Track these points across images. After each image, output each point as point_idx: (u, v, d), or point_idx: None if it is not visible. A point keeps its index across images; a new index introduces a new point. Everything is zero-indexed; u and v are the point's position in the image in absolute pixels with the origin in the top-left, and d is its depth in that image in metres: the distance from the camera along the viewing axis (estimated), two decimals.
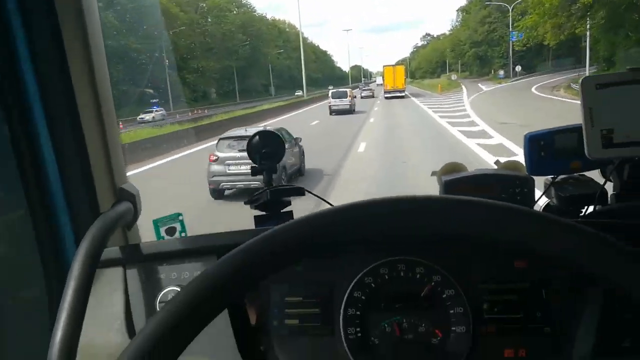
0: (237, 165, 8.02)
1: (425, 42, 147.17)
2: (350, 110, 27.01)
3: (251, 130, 7.21)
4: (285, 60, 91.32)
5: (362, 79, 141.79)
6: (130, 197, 0.97)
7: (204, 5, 68.73)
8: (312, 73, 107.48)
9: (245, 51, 72.53)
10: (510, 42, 48.61)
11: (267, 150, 1.07)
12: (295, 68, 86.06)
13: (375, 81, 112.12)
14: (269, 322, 0.88)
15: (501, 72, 61.47)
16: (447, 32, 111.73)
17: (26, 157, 0.86)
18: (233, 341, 0.84)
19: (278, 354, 0.87)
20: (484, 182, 1.03)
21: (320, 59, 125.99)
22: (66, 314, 0.67)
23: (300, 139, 9.66)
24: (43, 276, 0.89)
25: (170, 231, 1.11)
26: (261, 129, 1.11)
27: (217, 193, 8.48)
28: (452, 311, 0.82)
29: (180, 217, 1.11)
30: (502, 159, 1.13)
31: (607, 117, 0.88)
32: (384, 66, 46.53)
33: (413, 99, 38.18)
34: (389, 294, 0.84)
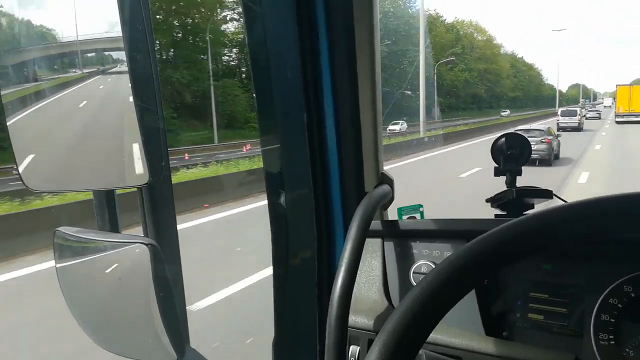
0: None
1: None
2: (578, 128, 28.68)
3: (535, 126, 14.40)
4: (461, 72, 70.62)
5: (581, 100, 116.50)
6: (389, 181, 1.12)
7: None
8: (509, 91, 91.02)
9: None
10: None
11: (513, 152, 1.09)
12: (475, 83, 71.73)
13: (602, 102, 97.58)
14: (512, 313, 0.92)
15: None
16: None
17: (315, 142, 1.07)
18: (479, 319, 0.90)
19: (519, 344, 0.89)
20: None
21: (521, 74, 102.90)
22: (345, 268, 0.81)
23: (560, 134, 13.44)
24: (316, 238, 1.09)
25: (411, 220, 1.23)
26: (509, 131, 1.13)
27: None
28: None
29: (421, 209, 1.22)
30: None
31: None
32: (617, 85, 40.54)
33: None
34: None
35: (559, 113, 33.66)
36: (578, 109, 34.68)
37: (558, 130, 24.94)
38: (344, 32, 1.02)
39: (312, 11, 1.02)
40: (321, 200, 1.09)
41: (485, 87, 76.46)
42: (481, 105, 75.57)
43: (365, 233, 0.88)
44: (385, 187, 1.08)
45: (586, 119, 39.94)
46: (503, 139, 1.12)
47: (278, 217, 1.10)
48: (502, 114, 63.40)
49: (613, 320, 0.82)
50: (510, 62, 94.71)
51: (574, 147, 17.94)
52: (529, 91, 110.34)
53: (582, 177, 12.05)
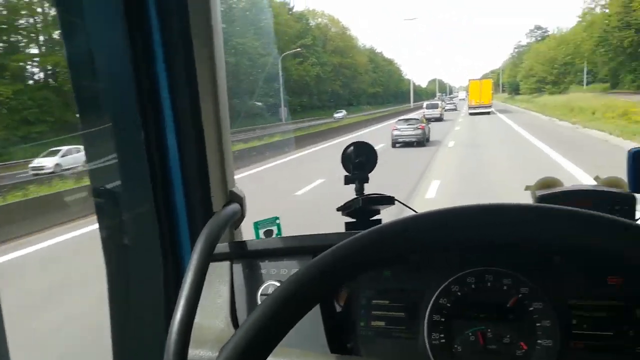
0: (402, 132, 18.21)
1: (534, 39, 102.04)
2: (440, 119, 35.05)
3: (413, 115, 21.03)
4: (312, 67, 60.75)
5: (438, 94, 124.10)
6: (239, 199, 1.07)
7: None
8: (368, 87, 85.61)
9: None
10: None
11: (360, 160, 1.12)
12: (329, 79, 64.21)
13: (458, 96, 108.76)
14: (356, 322, 0.93)
15: None
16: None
17: (155, 159, 0.98)
18: (323, 336, 0.90)
19: (363, 353, 0.91)
20: (581, 197, 1.00)
21: (381, 69, 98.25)
22: (184, 300, 0.76)
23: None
24: (162, 265, 1.01)
25: (268, 233, 1.20)
26: (356, 140, 1.16)
27: (394, 144, 18.06)
28: (538, 324, 0.82)
29: (278, 221, 1.20)
30: (603, 175, 1.09)
31: None
32: (469, 80, 45.39)
33: None
34: (474, 303, 0.86)
35: (424, 106, 39.07)
36: (439, 102, 41.66)
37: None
38: (179, 38, 0.95)
39: (145, 18, 0.93)
40: (165, 224, 1.01)
41: (341, 83, 70.03)
42: (339, 103, 68.49)
43: (208, 258, 0.83)
44: (234, 206, 1.03)
45: (445, 110, 44.06)
46: (352, 148, 1.14)
47: (113, 245, 0.99)
48: (336, 115, 48.47)
49: (443, 320, 0.87)
50: (368, 57, 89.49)
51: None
52: (388, 87, 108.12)
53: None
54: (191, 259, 0.82)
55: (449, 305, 0.87)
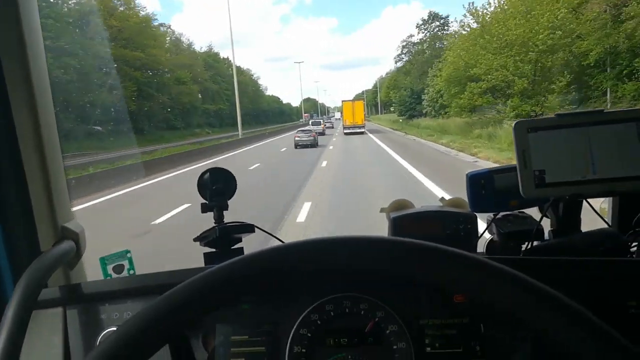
0: (301, 137, 28.61)
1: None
2: (323, 133, 43.21)
3: (311, 127, 37.41)
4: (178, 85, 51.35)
5: (314, 114, 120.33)
6: (73, 235, 0.94)
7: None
8: (200, 103, 62.82)
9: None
10: None
11: (218, 187, 1.08)
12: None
13: (335, 116, 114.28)
14: None
15: None
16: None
17: None
18: None
19: None
20: (429, 218, 1.07)
21: (226, 80, 75.98)
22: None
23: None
24: None
25: (118, 269, 1.09)
26: (212, 165, 1.12)
27: (296, 146, 27.89)
28: (395, 347, 0.83)
29: (129, 255, 1.09)
30: (447, 196, 1.18)
31: (539, 159, 0.94)
32: (342, 101, 47.59)
33: None
34: (334, 331, 0.85)
35: (310, 123, 50.77)
36: (322, 121, 55.30)
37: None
38: None
39: None
40: None
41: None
42: (222, 123, 65.27)
43: (30, 308, 0.71)
44: (65, 245, 0.90)
45: (326, 127, 54.53)
46: (208, 174, 1.09)
47: None
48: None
49: (304, 351, 0.84)
50: (204, 61, 70.10)
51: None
52: (242, 103, 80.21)
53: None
54: (7, 308, 0.70)
55: (309, 335, 0.85)
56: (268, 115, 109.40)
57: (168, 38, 60.80)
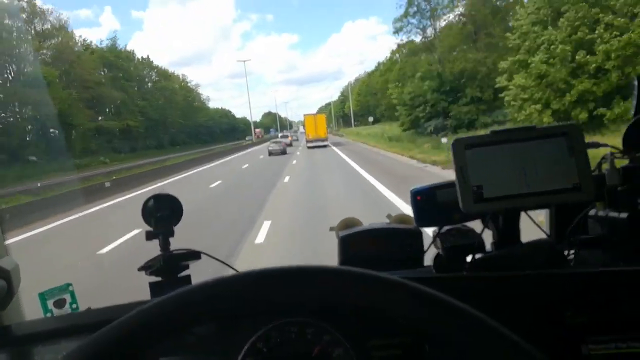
0: (274, 147, 37.79)
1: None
2: (290, 144, 49.19)
3: (278, 139, 48.92)
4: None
5: (270, 130, 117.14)
6: (4, 274, 0.90)
7: None
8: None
9: None
10: None
11: (162, 214, 1.06)
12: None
13: (299, 129, 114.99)
14: None
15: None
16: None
17: None
18: None
19: None
20: (377, 235, 1.08)
21: (152, 85, 65.48)
22: None
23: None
24: None
25: (60, 303, 1.04)
26: (157, 192, 1.10)
27: (270, 154, 36.66)
28: None
29: (71, 288, 1.05)
30: (393, 214, 1.20)
31: (476, 174, 0.97)
32: (304, 115, 47.75)
33: None
34: (281, 358, 0.84)
35: (279, 135, 60.44)
36: (289, 134, 63.76)
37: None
38: None
39: None
40: None
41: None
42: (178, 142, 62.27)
43: None
44: None
45: (292, 140, 59.37)
46: (152, 201, 1.06)
47: None
48: None
49: None
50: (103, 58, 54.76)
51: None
52: (171, 117, 68.19)
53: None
54: None
55: None
56: (214, 132, 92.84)
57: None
